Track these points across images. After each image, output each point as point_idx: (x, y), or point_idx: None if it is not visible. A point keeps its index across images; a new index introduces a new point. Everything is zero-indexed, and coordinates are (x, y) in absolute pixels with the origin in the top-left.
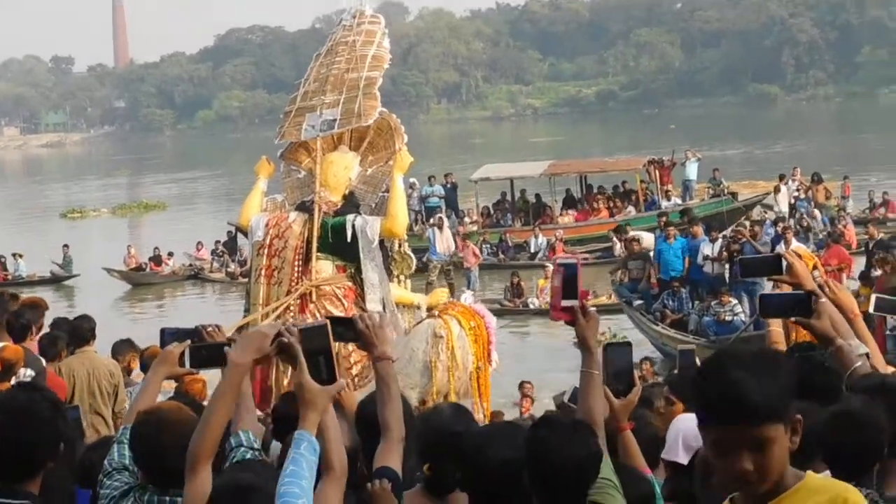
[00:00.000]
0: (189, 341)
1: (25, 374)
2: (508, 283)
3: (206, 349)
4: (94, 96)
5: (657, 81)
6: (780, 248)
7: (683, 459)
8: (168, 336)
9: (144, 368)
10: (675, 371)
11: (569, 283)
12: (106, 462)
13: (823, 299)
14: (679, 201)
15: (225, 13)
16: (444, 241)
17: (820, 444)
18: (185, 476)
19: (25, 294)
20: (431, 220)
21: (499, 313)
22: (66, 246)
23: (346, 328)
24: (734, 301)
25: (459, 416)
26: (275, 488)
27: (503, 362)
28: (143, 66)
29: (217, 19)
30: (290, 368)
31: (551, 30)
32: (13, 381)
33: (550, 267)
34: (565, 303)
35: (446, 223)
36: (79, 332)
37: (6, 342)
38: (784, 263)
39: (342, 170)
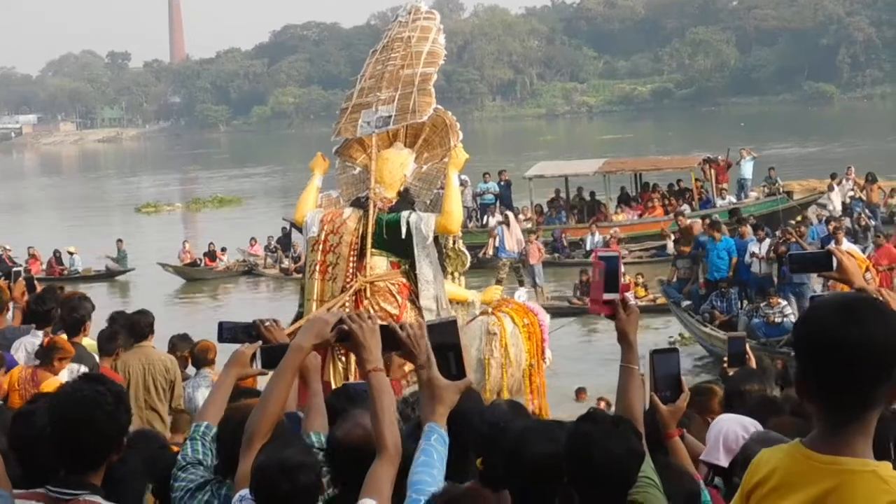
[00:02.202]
0: (260, 342)
1: (79, 369)
2: (578, 281)
3: (278, 350)
4: (149, 92)
5: (713, 79)
6: (831, 246)
7: (724, 462)
8: (226, 330)
9: (195, 362)
10: (725, 359)
11: (610, 276)
12: (180, 457)
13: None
14: (734, 200)
15: (280, 9)
16: (512, 238)
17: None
18: (240, 453)
19: (81, 289)
20: (500, 218)
21: (567, 312)
22: (119, 240)
23: (388, 336)
24: (783, 302)
25: (515, 412)
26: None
27: (567, 361)
28: (199, 62)
29: (273, 15)
30: (337, 366)
31: (606, 27)
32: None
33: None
34: (607, 296)
35: (514, 220)
36: (137, 326)
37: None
38: (834, 260)
39: (397, 166)
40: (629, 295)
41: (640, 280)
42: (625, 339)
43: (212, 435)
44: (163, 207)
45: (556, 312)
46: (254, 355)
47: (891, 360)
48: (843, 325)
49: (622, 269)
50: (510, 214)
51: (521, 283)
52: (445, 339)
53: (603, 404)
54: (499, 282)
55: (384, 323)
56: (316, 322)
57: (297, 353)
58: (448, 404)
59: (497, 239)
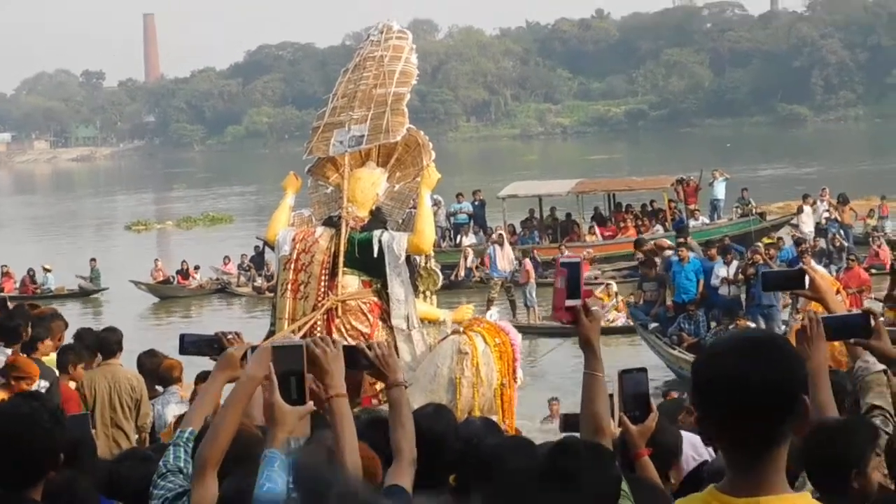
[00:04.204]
0: (248, 344)
1: (39, 385)
2: None
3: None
4: (124, 111)
5: (687, 101)
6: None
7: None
8: (188, 343)
9: (161, 381)
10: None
11: (572, 282)
12: (161, 463)
13: (882, 318)
14: (707, 220)
15: (256, 29)
16: (505, 258)
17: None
18: (192, 480)
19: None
20: (493, 237)
21: (559, 332)
22: (93, 259)
23: (357, 357)
24: (752, 325)
25: (488, 429)
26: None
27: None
28: (174, 81)
29: (248, 35)
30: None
31: (581, 48)
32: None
33: (614, 286)
34: (569, 303)
35: (506, 239)
36: (106, 344)
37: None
38: (807, 278)
39: (369, 185)
40: (590, 301)
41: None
42: (588, 346)
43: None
44: (153, 225)
45: (548, 332)
46: (244, 356)
47: (791, 397)
48: (740, 365)
49: (583, 275)
50: (504, 234)
51: (512, 303)
52: (289, 364)
53: (556, 406)
54: (490, 301)
55: (353, 343)
56: (264, 352)
57: (248, 383)
58: (287, 430)
59: (489, 258)
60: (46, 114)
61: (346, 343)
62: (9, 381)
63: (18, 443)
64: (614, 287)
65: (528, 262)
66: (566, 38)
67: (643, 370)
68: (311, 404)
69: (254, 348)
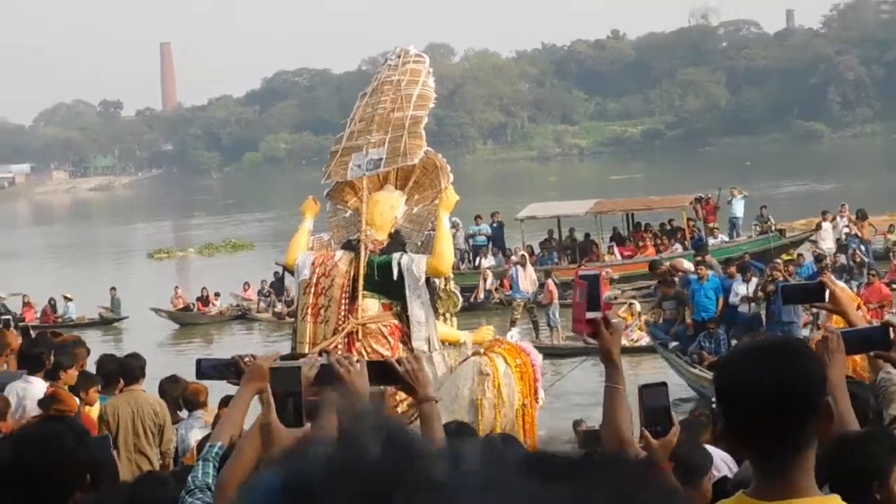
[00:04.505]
0: (277, 353)
1: None
2: None
3: (292, 358)
4: (142, 140)
5: (703, 120)
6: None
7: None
8: (205, 367)
9: (187, 405)
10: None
11: (592, 295)
12: (189, 479)
13: None
14: (726, 238)
15: (272, 56)
16: (527, 279)
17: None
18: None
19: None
20: (515, 259)
21: (581, 352)
22: (113, 288)
23: (387, 372)
24: None
25: (507, 445)
26: None
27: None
28: (191, 109)
29: (264, 62)
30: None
31: (597, 69)
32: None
33: (637, 305)
34: (589, 315)
35: (528, 261)
36: (128, 369)
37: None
38: (827, 291)
39: (388, 209)
40: (611, 313)
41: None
42: (609, 359)
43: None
44: (175, 253)
45: (571, 353)
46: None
47: (809, 399)
48: (756, 371)
49: (603, 287)
50: (525, 255)
51: (535, 324)
52: (287, 385)
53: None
54: (513, 322)
55: (382, 360)
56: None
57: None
58: None
59: (511, 279)
60: (65, 144)
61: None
62: (49, 412)
63: (45, 464)
64: (637, 306)
65: (550, 283)
66: (582, 59)
67: (663, 384)
68: (308, 426)
69: (283, 357)
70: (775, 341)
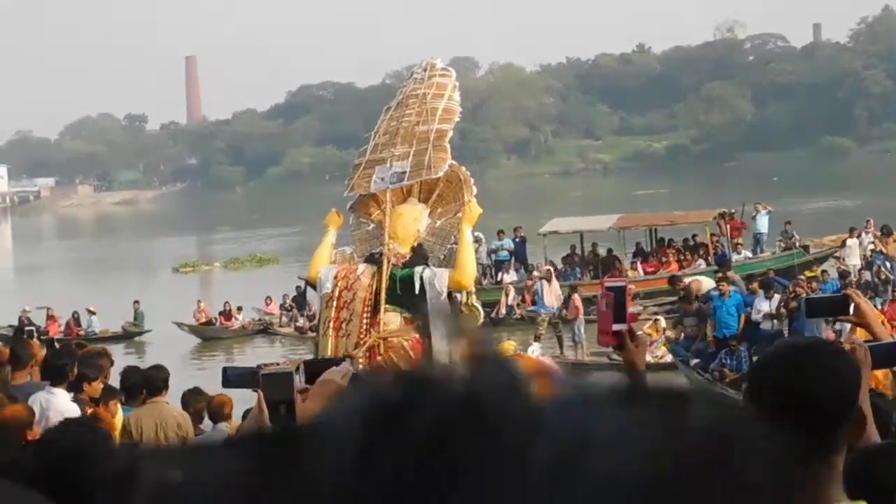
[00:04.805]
0: (301, 360)
1: None
2: None
3: (322, 363)
4: (166, 154)
5: (728, 135)
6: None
7: None
8: (231, 376)
9: (212, 417)
10: None
11: (618, 306)
12: None
13: None
14: (749, 254)
15: (296, 70)
16: (552, 294)
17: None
18: None
19: None
20: (537, 273)
21: (605, 368)
22: (136, 302)
23: None
24: None
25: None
26: None
27: None
28: (215, 123)
29: (289, 76)
30: None
31: (621, 84)
32: None
33: (662, 321)
34: (615, 327)
35: (553, 275)
36: (151, 381)
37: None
38: (851, 304)
39: (411, 222)
40: (635, 327)
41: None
42: (633, 371)
43: None
44: (201, 267)
45: (596, 368)
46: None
47: (841, 404)
48: (787, 372)
49: (629, 299)
50: (551, 270)
51: (560, 339)
52: (279, 391)
53: None
54: (537, 337)
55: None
56: (327, 385)
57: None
58: None
59: (535, 294)
60: (90, 158)
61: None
62: None
63: (71, 470)
64: (663, 322)
65: (576, 298)
66: (606, 73)
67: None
68: None
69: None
70: (805, 343)
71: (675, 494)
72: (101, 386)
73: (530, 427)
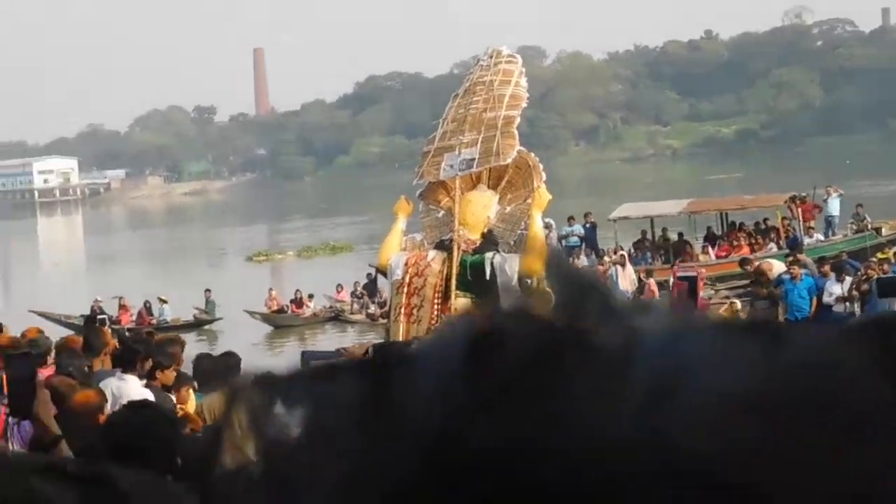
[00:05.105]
0: (371, 343)
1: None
2: None
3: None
4: (235, 145)
5: (797, 119)
6: None
7: None
8: (309, 360)
9: None
10: None
11: (691, 295)
12: None
13: None
14: (821, 237)
15: (364, 61)
16: (626, 279)
17: None
18: None
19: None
20: (613, 258)
21: None
22: (208, 290)
23: None
24: None
25: None
26: None
27: None
28: (284, 114)
29: (356, 67)
30: None
31: (689, 70)
32: None
33: (738, 303)
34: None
35: (628, 260)
36: (224, 367)
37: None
38: None
39: (481, 208)
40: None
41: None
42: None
43: None
44: (274, 256)
45: None
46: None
47: None
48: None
49: (701, 286)
50: (625, 255)
51: None
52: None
53: None
54: None
55: None
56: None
57: None
58: None
59: (609, 279)
60: (159, 150)
61: None
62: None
63: (137, 449)
64: (738, 305)
65: (652, 283)
66: (674, 60)
67: None
68: None
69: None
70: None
71: (777, 417)
72: (174, 374)
73: (629, 347)
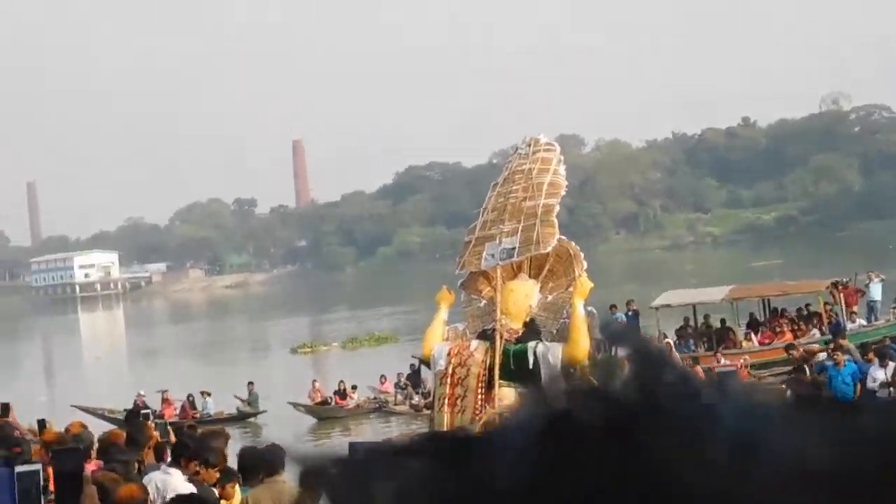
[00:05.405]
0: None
1: None
2: None
3: None
4: (276, 237)
5: (837, 205)
6: None
7: None
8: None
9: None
10: None
11: None
12: None
13: None
14: (864, 323)
15: (404, 151)
16: None
17: None
18: None
19: None
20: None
21: None
22: (251, 383)
23: None
24: None
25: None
26: None
27: None
28: (324, 205)
29: (396, 157)
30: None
31: (728, 157)
32: None
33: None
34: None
35: (674, 347)
36: (269, 461)
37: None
38: None
39: (522, 297)
40: None
41: None
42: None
43: None
44: (319, 347)
45: None
46: None
47: None
48: None
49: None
50: (671, 342)
51: None
52: None
53: None
54: None
55: None
56: None
57: None
58: None
59: None
60: (200, 242)
61: None
62: None
63: None
64: (787, 392)
65: (699, 370)
66: (713, 146)
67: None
68: None
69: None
70: None
71: (854, 488)
72: (219, 470)
73: (707, 420)
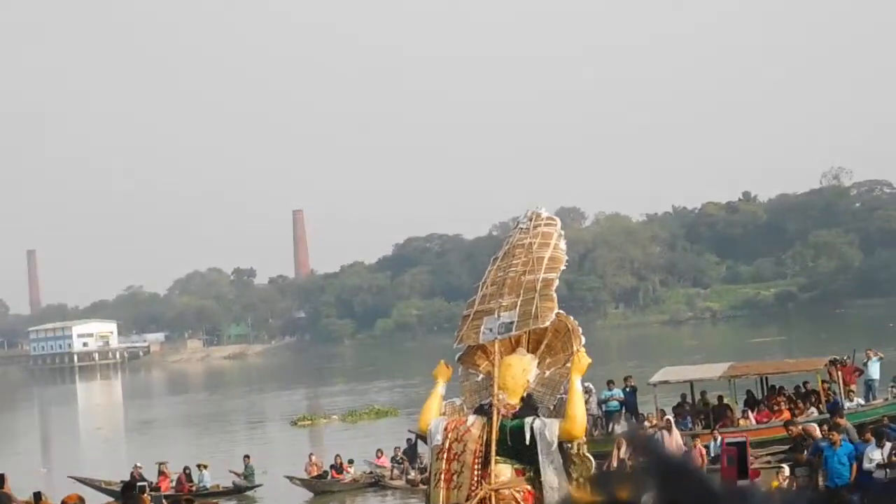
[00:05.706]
0: None
1: None
2: None
3: None
4: (275, 307)
5: (837, 282)
6: None
7: None
8: None
9: None
10: None
11: (741, 461)
12: None
13: None
14: (862, 402)
15: (403, 222)
16: (673, 444)
17: None
18: None
19: None
20: (658, 423)
21: None
22: (247, 456)
23: None
24: None
25: None
26: None
27: None
28: (323, 276)
29: (395, 228)
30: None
31: (728, 232)
32: None
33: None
34: (741, 483)
35: (674, 424)
36: None
37: None
38: None
39: (520, 372)
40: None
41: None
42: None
43: None
44: (319, 420)
45: None
46: None
47: None
48: None
49: (749, 453)
50: (671, 419)
51: None
52: None
53: None
54: None
55: None
56: None
57: None
58: None
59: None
60: (199, 313)
61: None
62: None
63: None
64: (787, 471)
65: (700, 447)
66: (713, 221)
67: None
68: None
69: None
70: None
71: None
72: None
73: None
